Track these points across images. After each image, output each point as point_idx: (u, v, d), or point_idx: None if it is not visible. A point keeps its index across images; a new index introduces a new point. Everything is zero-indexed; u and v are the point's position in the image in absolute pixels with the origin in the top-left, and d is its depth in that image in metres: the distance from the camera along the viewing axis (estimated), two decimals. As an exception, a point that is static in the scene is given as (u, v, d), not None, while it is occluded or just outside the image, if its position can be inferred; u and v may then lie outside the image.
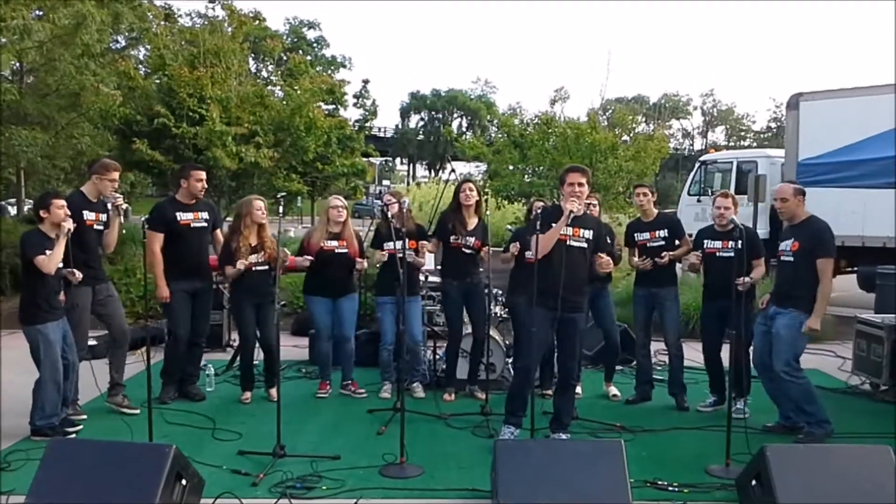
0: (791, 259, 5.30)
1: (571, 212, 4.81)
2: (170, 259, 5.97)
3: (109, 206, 5.57)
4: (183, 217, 5.99)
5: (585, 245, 4.98)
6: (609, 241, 6.24)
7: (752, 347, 5.59)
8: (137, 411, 5.60)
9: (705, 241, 5.91)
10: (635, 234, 6.33)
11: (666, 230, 6.20)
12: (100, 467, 3.73)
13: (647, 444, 5.23)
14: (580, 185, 4.91)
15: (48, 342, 4.95)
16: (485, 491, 4.15)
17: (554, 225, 4.86)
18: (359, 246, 6.33)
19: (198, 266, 6.10)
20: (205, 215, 6.12)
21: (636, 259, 6.31)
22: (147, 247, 5.40)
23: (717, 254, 5.80)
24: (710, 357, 6.03)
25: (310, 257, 6.13)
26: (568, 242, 4.91)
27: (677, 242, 6.21)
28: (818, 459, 3.98)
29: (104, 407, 5.69)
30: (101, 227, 5.61)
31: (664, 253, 6.09)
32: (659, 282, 6.16)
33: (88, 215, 5.50)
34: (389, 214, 6.02)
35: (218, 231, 6.32)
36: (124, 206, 5.59)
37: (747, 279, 5.43)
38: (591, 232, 5.02)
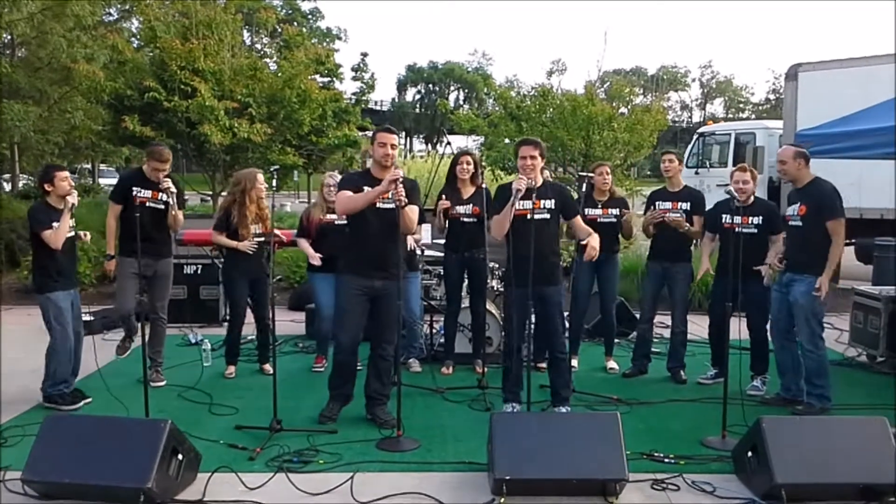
0: (799, 224, 5.24)
1: (518, 189, 4.70)
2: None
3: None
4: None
5: (548, 215, 4.91)
6: (619, 212, 6.18)
7: (768, 321, 5.61)
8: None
9: (723, 216, 5.61)
10: (657, 203, 6.14)
11: (688, 203, 6.03)
12: (96, 443, 3.74)
13: (644, 416, 5.24)
14: (532, 157, 4.83)
15: (57, 309, 5.11)
16: (481, 464, 4.16)
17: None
18: None
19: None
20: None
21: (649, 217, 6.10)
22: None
23: (737, 229, 5.24)
24: (715, 331, 5.87)
25: (312, 253, 6.12)
26: (528, 216, 4.78)
27: (695, 218, 6.02)
28: (814, 431, 3.99)
29: (100, 383, 5.68)
30: (157, 206, 5.59)
31: (677, 213, 5.92)
32: (673, 257, 6.06)
33: (140, 193, 5.56)
34: None
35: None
36: (172, 189, 5.50)
37: (767, 269, 5.41)
38: (553, 200, 4.92)
